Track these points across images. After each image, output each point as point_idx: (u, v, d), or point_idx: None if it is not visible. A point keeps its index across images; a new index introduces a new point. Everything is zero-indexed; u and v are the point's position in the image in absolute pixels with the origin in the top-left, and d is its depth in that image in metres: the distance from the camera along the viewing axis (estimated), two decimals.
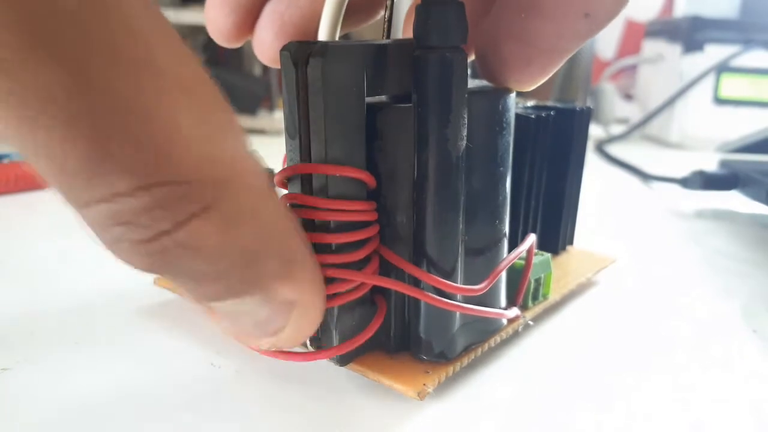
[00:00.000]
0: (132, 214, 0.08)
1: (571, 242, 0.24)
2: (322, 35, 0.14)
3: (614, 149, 0.53)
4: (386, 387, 0.15)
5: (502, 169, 0.15)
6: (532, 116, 0.20)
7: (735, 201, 0.35)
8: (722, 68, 0.55)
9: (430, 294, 0.14)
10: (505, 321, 0.17)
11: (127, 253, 0.09)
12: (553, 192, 0.22)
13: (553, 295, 0.19)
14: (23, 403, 0.14)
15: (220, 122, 0.09)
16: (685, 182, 0.36)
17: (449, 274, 0.14)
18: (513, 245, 0.17)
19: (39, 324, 0.18)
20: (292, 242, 0.11)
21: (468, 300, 0.15)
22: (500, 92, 0.15)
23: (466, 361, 0.16)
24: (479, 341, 0.16)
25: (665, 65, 0.61)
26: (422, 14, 0.13)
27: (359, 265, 0.14)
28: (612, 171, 0.46)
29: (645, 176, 0.42)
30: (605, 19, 0.13)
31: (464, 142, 0.14)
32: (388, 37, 0.16)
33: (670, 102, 0.57)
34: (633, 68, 0.71)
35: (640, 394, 0.15)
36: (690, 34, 0.57)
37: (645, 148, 0.57)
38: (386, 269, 0.15)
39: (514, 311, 0.17)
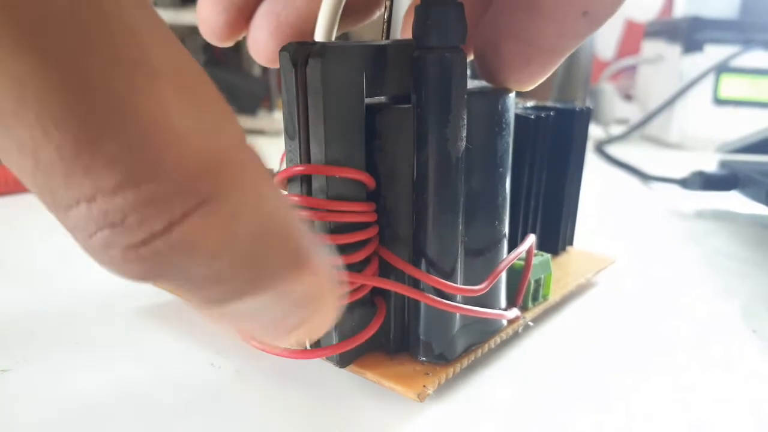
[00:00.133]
0: (118, 214, 0.08)
1: (570, 243, 0.24)
2: (319, 35, 0.14)
3: (614, 149, 0.53)
4: (386, 388, 0.15)
5: (501, 169, 0.15)
6: (532, 116, 0.20)
7: (735, 201, 0.35)
8: (722, 68, 0.55)
9: (430, 295, 0.14)
10: (505, 322, 0.17)
11: (117, 261, 0.08)
12: (553, 192, 0.22)
13: (553, 296, 0.19)
14: (23, 403, 0.14)
15: (214, 113, 0.08)
16: (685, 182, 0.36)
17: (449, 275, 0.14)
18: (513, 245, 0.17)
19: (39, 324, 0.18)
20: (297, 231, 0.10)
21: (468, 301, 0.15)
22: (500, 92, 0.15)
23: (466, 362, 0.16)
24: (479, 342, 0.16)
25: (665, 65, 0.61)
26: (421, 14, 0.13)
27: (359, 267, 0.14)
28: (612, 171, 0.46)
29: (645, 176, 0.42)
30: (603, 16, 0.13)
31: (464, 143, 0.14)
32: (388, 37, 0.16)
33: (670, 102, 0.57)
34: (633, 68, 0.71)
35: (640, 394, 0.15)
36: (690, 34, 0.57)
37: (645, 149, 0.57)
38: (386, 270, 0.15)
39: (514, 312, 0.17)
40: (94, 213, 0.08)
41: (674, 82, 0.57)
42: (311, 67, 0.12)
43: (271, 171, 0.15)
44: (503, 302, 0.17)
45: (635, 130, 0.60)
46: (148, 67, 0.08)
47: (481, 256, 0.15)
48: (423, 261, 0.14)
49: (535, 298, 0.18)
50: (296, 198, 0.13)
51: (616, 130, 0.63)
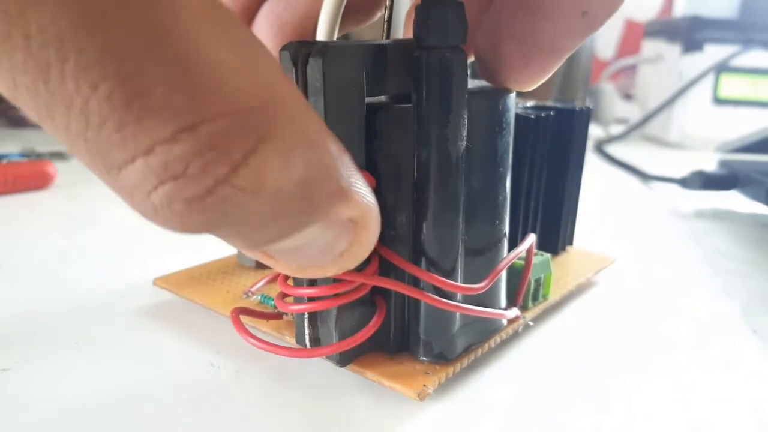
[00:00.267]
0: (180, 163, 0.07)
1: (570, 242, 0.24)
2: (320, 36, 0.14)
3: (614, 149, 0.53)
4: (386, 388, 0.15)
5: (501, 169, 0.15)
6: (532, 116, 0.20)
7: (734, 201, 0.35)
8: (722, 68, 0.55)
9: (430, 294, 0.14)
10: (505, 321, 0.17)
11: (181, 214, 0.08)
12: (553, 192, 0.22)
13: (553, 296, 0.19)
14: (23, 403, 0.14)
15: (254, 50, 0.08)
16: (685, 182, 0.36)
17: (449, 274, 0.14)
18: (513, 245, 0.17)
19: (39, 324, 0.18)
20: (340, 159, 0.10)
21: (468, 300, 0.15)
22: (500, 92, 0.15)
23: (466, 361, 0.16)
24: (479, 342, 0.16)
25: (665, 65, 0.61)
26: (422, 14, 0.13)
27: (359, 266, 0.14)
28: (611, 171, 0.46)
29: (644, 176, 0.42)
30: (603, 16, 0.13)
31: (464, 142, 0.14)
32: (388, 37, 0.16)
33: (670, 102, 0.57)
34: (632, 68, 0.71)
35: (639, 394, 0.15)
36: (689, 34, 0.57)
37: (644, 148, 0.57)
38: (386, 269, 0.15)
39: (514, 312, 0.17)
40: (153, 166, 0.07)
41: (674, 81, 0.58)
42: (311, 67, 0.12)
43: None
44: (503, 302, 0.17)
45: (635, 129, 0.60)
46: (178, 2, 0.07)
47: (482, 256, 0.15)
48: (423, 260, 0.14)
49: (535, 298, 0.18)
50: None
51: (616, 129, 0.63)
